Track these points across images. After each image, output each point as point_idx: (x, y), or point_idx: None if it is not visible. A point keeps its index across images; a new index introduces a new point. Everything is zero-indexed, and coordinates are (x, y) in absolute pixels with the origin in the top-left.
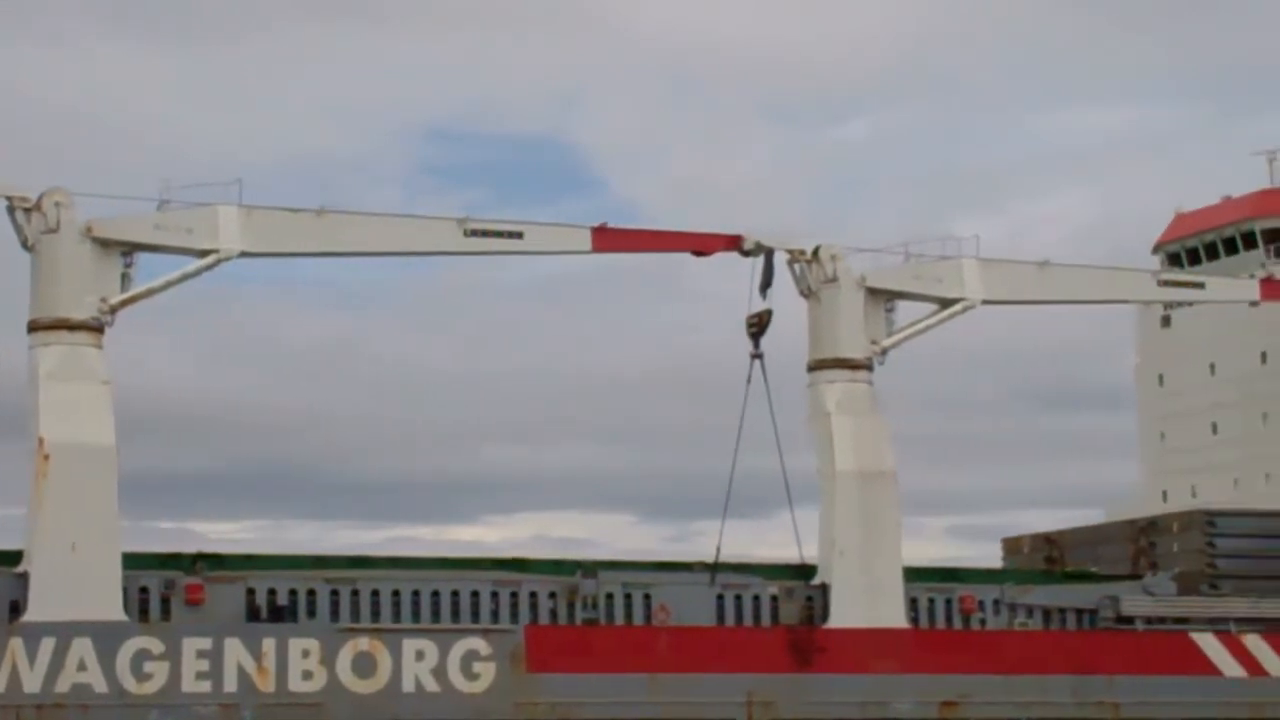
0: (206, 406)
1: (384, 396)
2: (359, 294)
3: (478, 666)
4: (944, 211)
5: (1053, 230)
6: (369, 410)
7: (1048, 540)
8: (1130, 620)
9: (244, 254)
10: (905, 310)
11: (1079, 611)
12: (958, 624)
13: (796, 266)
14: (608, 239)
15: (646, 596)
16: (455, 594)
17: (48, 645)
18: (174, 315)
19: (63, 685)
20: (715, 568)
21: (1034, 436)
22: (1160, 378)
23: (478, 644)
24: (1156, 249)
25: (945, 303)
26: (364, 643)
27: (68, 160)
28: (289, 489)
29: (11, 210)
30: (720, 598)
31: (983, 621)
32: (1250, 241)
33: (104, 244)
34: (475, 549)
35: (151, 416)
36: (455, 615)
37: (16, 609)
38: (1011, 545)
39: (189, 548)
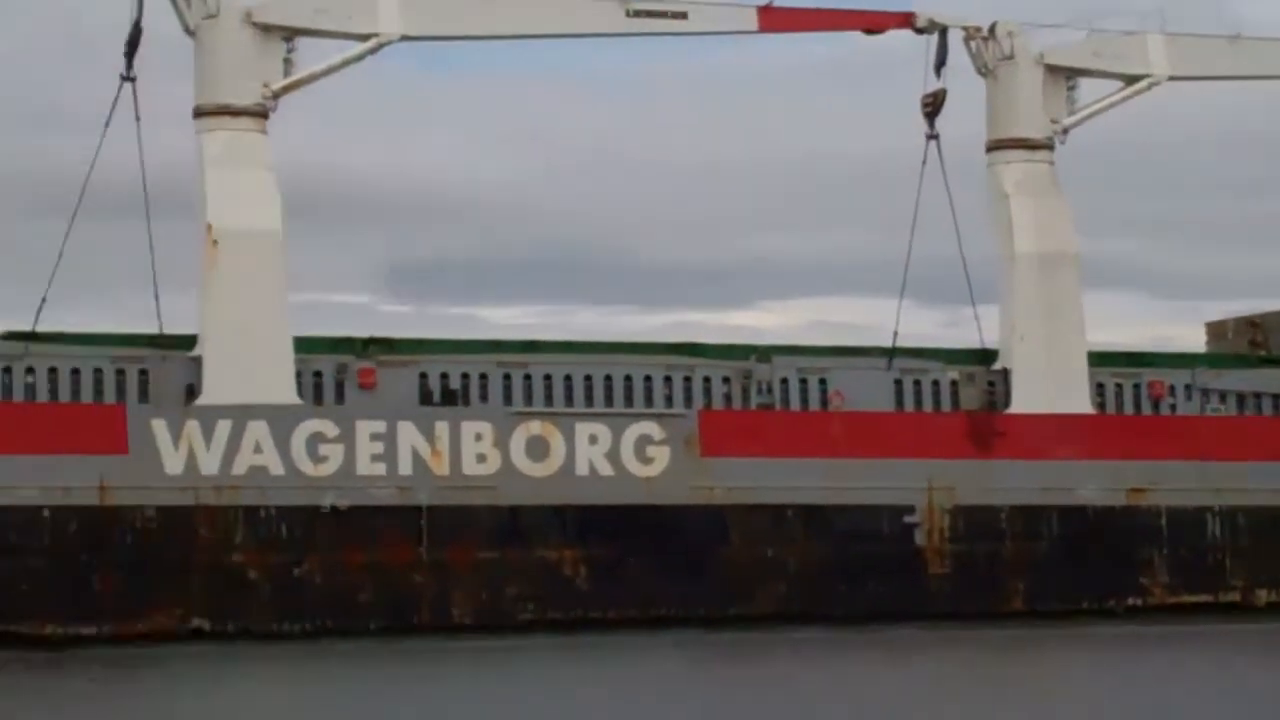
0: (488, 193)
1: (660, 183)
2: (628, 84)
3: (651, 450)
4: None
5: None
6: (643, 197)
7: (1251, 324)
8: None
9: (404, 37)
10: (1088, 88)
11: (1276, 397)
12: (1146, 410)
13: (972, 44)
14: (774, 18)
15: (822, 381)
16: (628, 378)
17: (224, 428)
18: (454, 107)
19: (239, 467)
20: (893, 352)
21: (1238, 219)
22: None
23: (651, 428)
24: None
25: (1129, 79)
26: (536, 426)
27: None
28: (569, 275)
29: None
30: (898, 382)
31: (1173, 407)
32: None
33: (265, 29)
34: (752, 335)
35: (433, 204)
36: (628, 400)
37: (192, 392)
38: (1215, 329)
39: (476, 334)
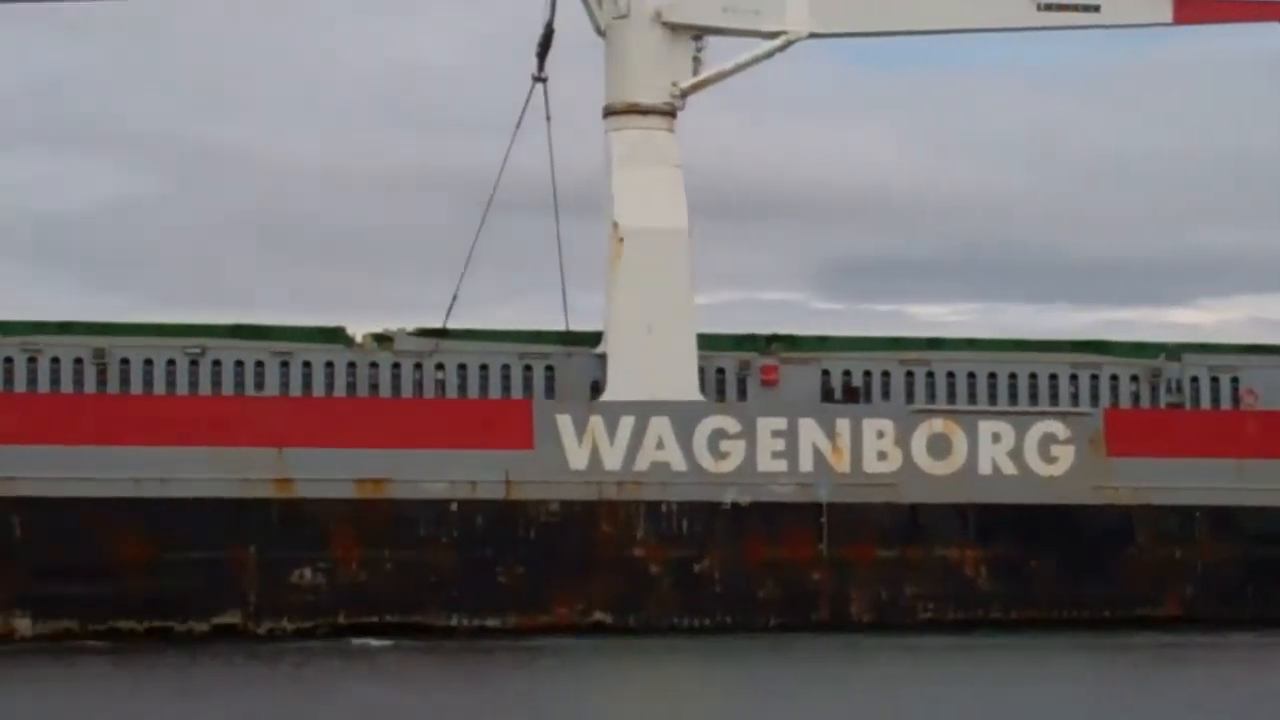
0: (919, 190)
1: (1093, 178)
2: (1051, 77)
3: (1055, 450)
4: None
5: None
6: (1075, 192)
7: None
8: None
9: (812, 35)
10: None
11: None
12: None
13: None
14: (1193, 10)
15: (1234, 380)
16: (1033, 376)
17: (626, 424)
18: (886, 104)
19: (641, 463)
20: None
21: None
22: None
23: (1055, 427)
24: None
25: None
26: (938, 424)
27: None
28: (1000, 272)
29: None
30: None
31: None
32: None
33: (674, 28)
34: (1191, 333)
35: (872, 202)
36: (1032, 398)
37: (597, 388)
38: None
39: (904, 331)
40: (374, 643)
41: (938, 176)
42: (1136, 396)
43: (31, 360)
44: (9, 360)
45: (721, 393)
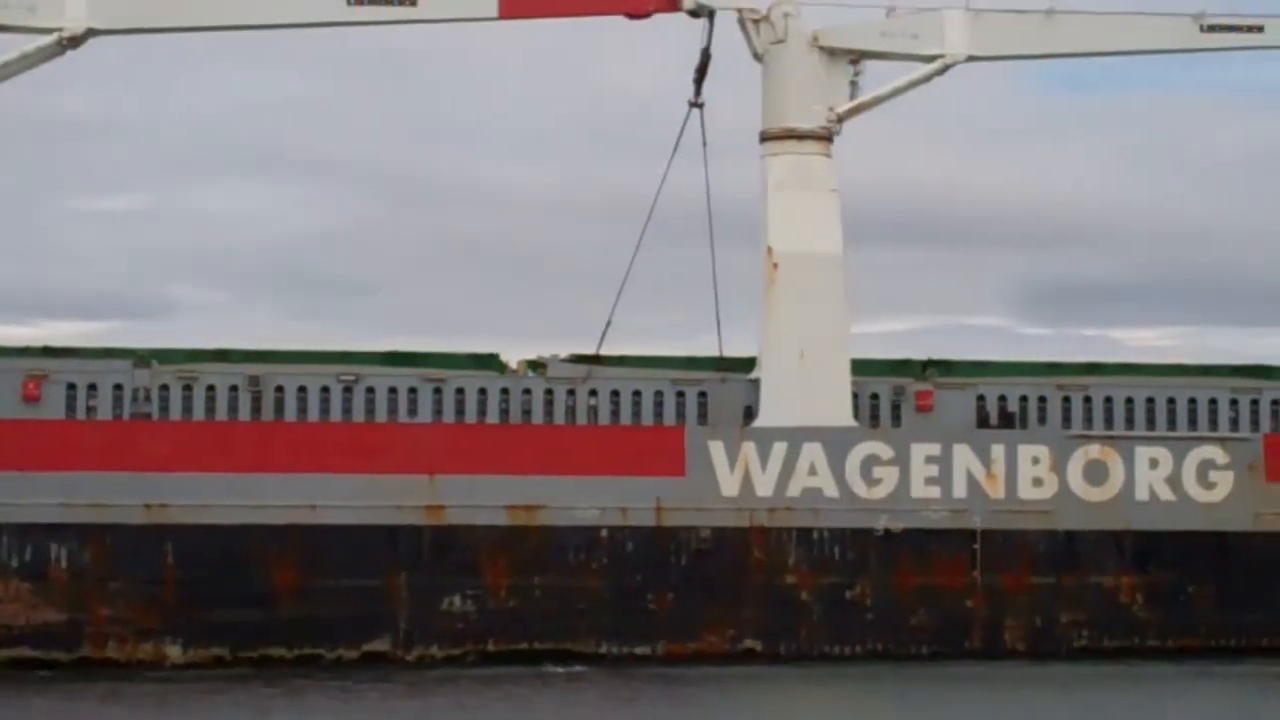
0: (1125, 213)
1: None
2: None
3: (1214, 475)
4: None
5: None
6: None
7: None
8: None
9: (970, 58)
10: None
11: None
12: None
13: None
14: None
15: None
16: (1192, 401)
17: (779, 450)
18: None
19: (793, 489)
20: None
21: None
22: None
23: (1214, 452)
24: None
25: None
26: (1095, 450)
27: None
28: (1208, 296)
29: (742, 22)
30: None
31: None
32: None
33: (831, 53)
34: None
35: (1071, 226)
36: (1192, 423)
37: (750, 414)
38: None
39: (1105, 355)
40: (558, 669)
41: (1142, 200)
42: None
43: (187, 388)
44: (165, 388)
45: (876, 418)
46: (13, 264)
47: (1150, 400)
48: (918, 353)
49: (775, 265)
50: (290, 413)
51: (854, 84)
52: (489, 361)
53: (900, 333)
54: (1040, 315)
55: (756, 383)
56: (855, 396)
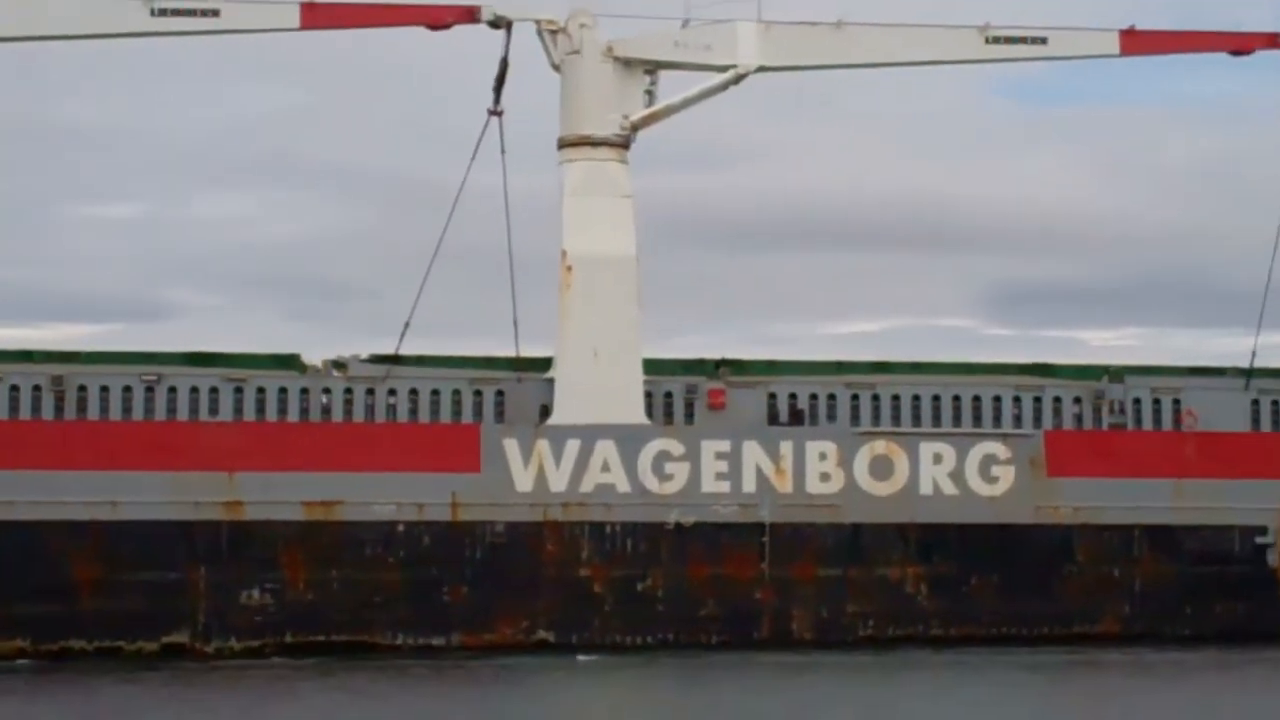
0: (1091, 219)
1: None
2: (1233, 111)
3: (996, 470)
4: None
5: None
6: (1244, 223)
7: None
8: None
9: (761, 68)
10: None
11: None
12: None
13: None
14: (1139, 42)
15: (1175, 401)
16: (976, 398)
17: (573, 447)
18: (1066, 133)
19: (587, 485)
20: (1250, 373)
21: None
22: None
23: (996, 448)
24: None
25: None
26: (881, 446)
27: None
28: (1169, 298)
29: (540, 33)
30: (1255, 402)
31: None
32: None
33: (626, 63)
34: None
35: (1036, 232)
36: (975, 419)
37: (546, 413)
38: None
39: (1067, 357)
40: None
41: (1108, 206)
42: (1079, 418)
43: None
44: None
45: (670, 415)
46: (19, 268)
47: (936, 398)
48: (880, 354)
49: (569, 268)
50: (93, 412)
51: (649, 93)
52: (289, 361)
53: (872, 333)
54: (1005, 317)
55: (552, 382)
56: (650, 395)
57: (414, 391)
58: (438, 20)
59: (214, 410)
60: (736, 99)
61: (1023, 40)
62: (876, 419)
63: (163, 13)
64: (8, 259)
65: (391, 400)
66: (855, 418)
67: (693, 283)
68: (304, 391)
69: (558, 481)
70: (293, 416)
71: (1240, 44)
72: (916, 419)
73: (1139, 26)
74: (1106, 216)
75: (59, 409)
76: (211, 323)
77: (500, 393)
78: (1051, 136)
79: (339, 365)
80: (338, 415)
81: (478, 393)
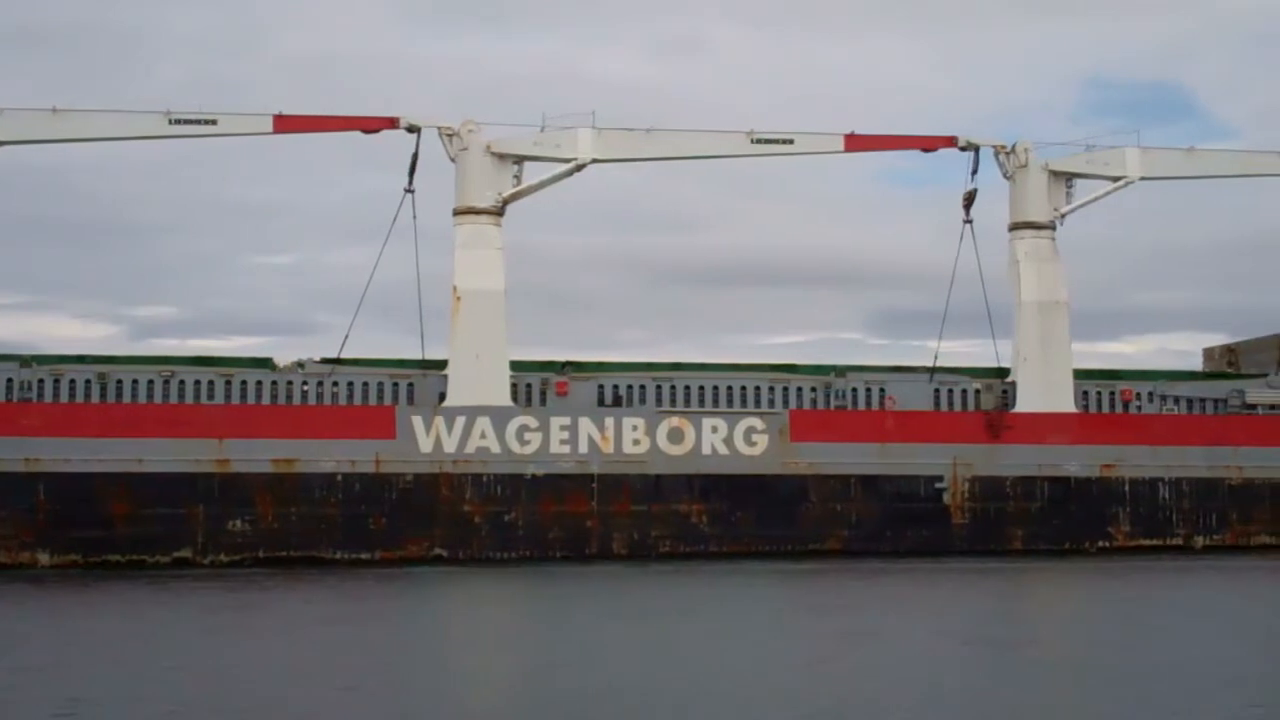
0: (937, 265)
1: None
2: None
3: (755, 437)
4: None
5: None
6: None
7: (1229, 350)
8: (1253, 407)
9: (595, 160)
10: (1083, 187)
11: (1216, 401)
12: (1119, 409)
13: (999, 157)
14: (857, 141)
15: (882, 390)
16: (743, 388)
17: (460, 421)
18: (919, 205)
19: (470, 448)
20: (934, 370)
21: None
22: None
23: (756, 422)
24: None
25: (1112, 180)
26: (675, 421)
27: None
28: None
29: (441, 136)
30: (936, 391)
31: (1139, 408)
32: None
33: (500, 156)
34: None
35: (904, 272)
36: (742, 403)
37: (442, 398)
38: (1208, 354)
39: (922, 361)
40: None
41: (947, 255)
42: (815, 401)
43: (56, 382)
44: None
45: (529, 400)
46: (216, 299)
47: (715, 388)
48: (802, 358)
49: (459, 298)
50: (126, 398)
51: (516, 177)
52: (265, 362)
53: (798, 342)
54: (883, 332)
55: (447, 377)
56: (515, 386)
57: (350, 384)
58: (370, 127)
59: (210, 396)
60: (702, 185)
61: (777, 141)
62: (673, 402)
63: (177, 121)
64: (209, 293)
65: (335, 389)
66: (658, 401)
67: (674, 309)
68: (274, 383)
69: (450, 445)
70: (265, 400)
71: (928, 144)
72: (701, 402)
73: (857, 132)
74: (947, 263)
75: (102, 395)
76: (338, 335)
77: (411, 384)
78: (910, 208)
79: (300, 365)
80: (297, 399)
81: (395, 384)
